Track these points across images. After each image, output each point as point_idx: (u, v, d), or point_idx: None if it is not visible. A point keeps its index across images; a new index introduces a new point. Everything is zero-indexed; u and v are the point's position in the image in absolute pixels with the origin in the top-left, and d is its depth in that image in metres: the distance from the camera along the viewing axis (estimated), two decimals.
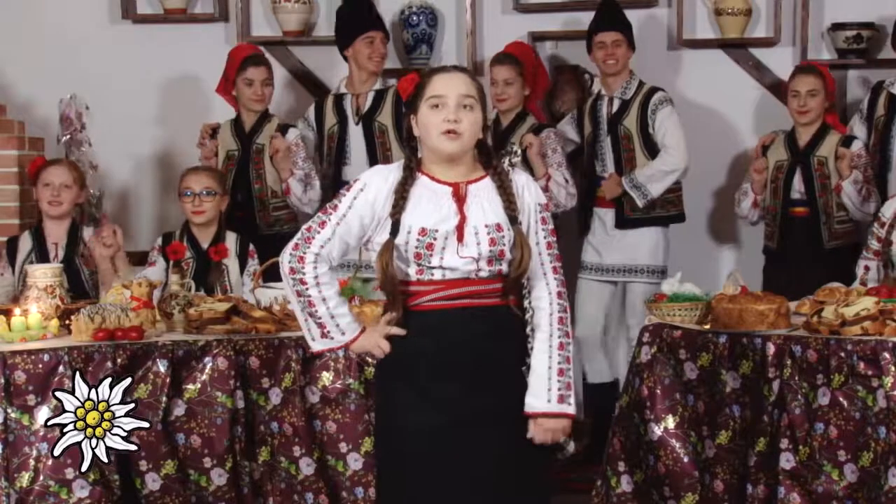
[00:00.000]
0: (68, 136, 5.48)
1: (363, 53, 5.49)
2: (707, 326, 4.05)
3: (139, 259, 5.19)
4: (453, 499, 3.06)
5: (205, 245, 4.83)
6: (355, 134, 5.52)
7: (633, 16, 5.60)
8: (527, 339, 3.12)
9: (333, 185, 5.42)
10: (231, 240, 4.87)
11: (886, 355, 3.63)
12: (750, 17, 5.84)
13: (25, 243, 4.88)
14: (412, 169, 3.11)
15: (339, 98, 5.59)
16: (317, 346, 3.17)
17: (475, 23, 5.99)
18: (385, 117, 5.50)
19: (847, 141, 5.22)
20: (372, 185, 3.10)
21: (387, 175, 3.12)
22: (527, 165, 5.26)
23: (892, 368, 3.62)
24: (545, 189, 5.35)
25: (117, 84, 6.06)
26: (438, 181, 3.10)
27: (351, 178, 5.40)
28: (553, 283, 3.13)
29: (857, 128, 5.42)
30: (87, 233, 4.93)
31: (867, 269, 4.63)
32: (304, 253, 3.07)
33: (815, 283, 4.49)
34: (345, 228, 3.08)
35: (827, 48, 5.85)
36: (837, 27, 5.74)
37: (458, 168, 3.11)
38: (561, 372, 3.08)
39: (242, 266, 4.81)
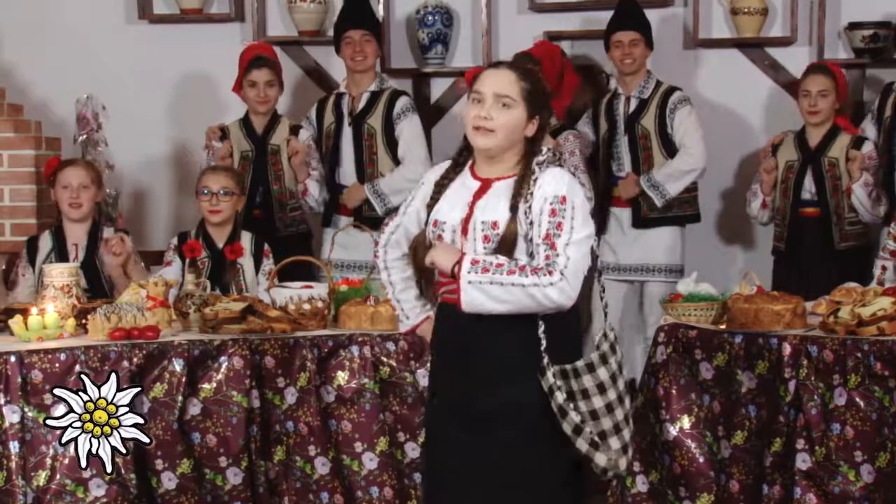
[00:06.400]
0: (85, 136, 5.50)
1: (346, 54, 5.46)
2: (723, 326, 4.04)
3: (155, 258, 5.21)
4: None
5: (220, 244, 4.83)
6: (347, 135, 5.48)
7: (650, 15, 5.59)
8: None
9: (329, 186, 5.44)
10: (246, 239, 4.87)
11: None
12: (766, 17, 5.82)
13: (45, 243, 4.88)
14: (458, 163, 3.19)
15: (339, 97, 5.56)
16: (402, 327, 3.57)
17: (490, 22, 5.98)
18: (375, 120, 5.43)
19: (858, 142, 5.20)
20: (427, 179, 3.27)
21: (439, 170, 3.24)
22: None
23: None
24: None
25: (134, 84, 6.08)
26: (476, 177, 3.15)
27: (342, 181, 5.45)
28: (541, 260, 3.00)
29: (869, 129, 5.40)
30: (108, 233, 4.93)
31: (884, 269, 4.63)
32: (380, 240, 3.43)
33: (824, 284, 4.49)
34: (408, 218, 3.31)
35: (843, 47, 5.83)
36: (854, 26, 5.72)
37: (498, 165, 3.12)
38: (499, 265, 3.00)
39: (257, 265, 4.82)
